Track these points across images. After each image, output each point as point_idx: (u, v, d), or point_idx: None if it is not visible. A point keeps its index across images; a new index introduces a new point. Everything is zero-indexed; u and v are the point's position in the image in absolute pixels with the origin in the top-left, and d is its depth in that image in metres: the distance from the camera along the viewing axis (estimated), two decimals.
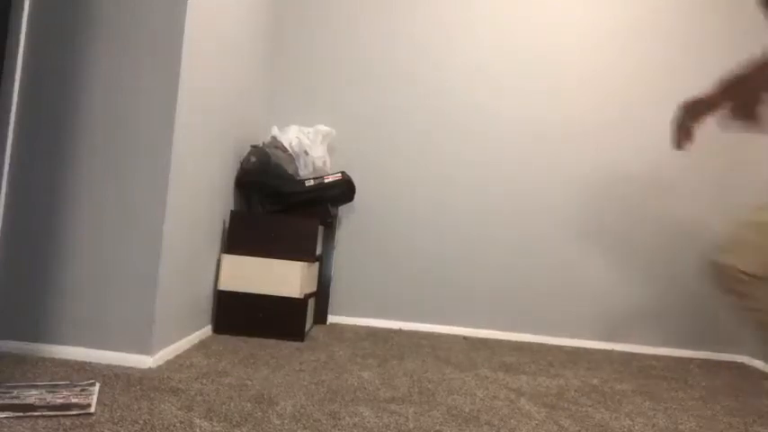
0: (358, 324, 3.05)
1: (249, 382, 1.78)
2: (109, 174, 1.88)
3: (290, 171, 2.68)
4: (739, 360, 3.09)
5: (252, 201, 2.65)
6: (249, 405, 1.56)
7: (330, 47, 3.14)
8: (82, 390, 1.53)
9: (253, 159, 2.62)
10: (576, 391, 2.09)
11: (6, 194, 1.86)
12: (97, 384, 1.58)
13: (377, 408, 1.65)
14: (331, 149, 2.84)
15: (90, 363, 1.79)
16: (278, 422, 1.46)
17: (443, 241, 3.12)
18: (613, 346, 3.10)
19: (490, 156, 3.15)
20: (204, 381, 1.75)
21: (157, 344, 1.90)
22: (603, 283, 3.14)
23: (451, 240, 3.12)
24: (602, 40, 3.18)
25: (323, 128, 2.82)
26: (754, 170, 3.16)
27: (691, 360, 2.99)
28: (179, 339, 2.09)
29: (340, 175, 2.73)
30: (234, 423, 1.42)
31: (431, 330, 3.08)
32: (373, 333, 2.88)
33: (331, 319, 3.03)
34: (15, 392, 1.46)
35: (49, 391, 1.49)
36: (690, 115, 1.60)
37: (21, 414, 1.33)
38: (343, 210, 3.04)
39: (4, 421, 1.28)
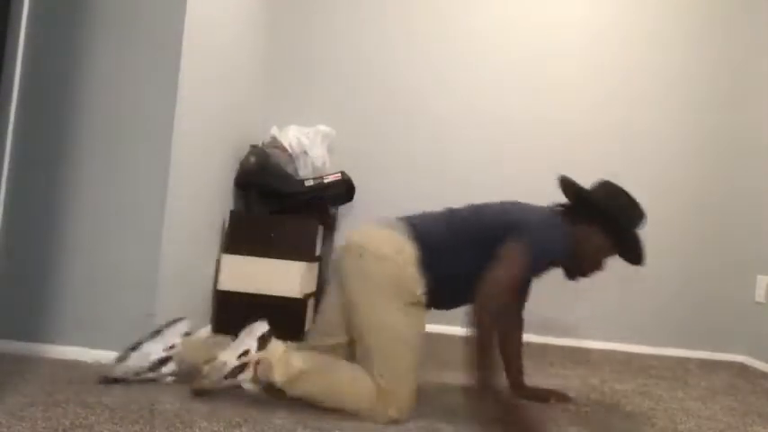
0: None
1: None
2: (108, 174, 1.88)
3: (290, 171, 2.68)
4: (739, 360, 3.08)
5: (251, 201, 2.64)
6: (249, 405, 1.55)
7: (330, 47, 3.14)
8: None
9: (252, 159, 2.62)
10: (575, 391, 2.09)
11: (6, 194, 1.85)
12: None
13: None
14: (331, 149, 2.84)
15: (90, 363, 1.79)
16: (278, 422, 1.46)
17: None
18: (613, 346, 3.09)
19: (491, 156, 3.14)
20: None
21: None
22: (604, 282, 3.12)
23: None
24: (603, 39, 3.18)
25: (323, 128, 2.82)
26: (755, 166, 3.16)
27: (690, 360, 2.99)
28: None
29: (339, 175, 2.73)
30: (234, 423, 1.41)
31: (431, 330, 3.06)
32: None
33: None
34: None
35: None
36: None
37: None
38: (343, 210, 3.04)
39: (3, 421, 1.28)
